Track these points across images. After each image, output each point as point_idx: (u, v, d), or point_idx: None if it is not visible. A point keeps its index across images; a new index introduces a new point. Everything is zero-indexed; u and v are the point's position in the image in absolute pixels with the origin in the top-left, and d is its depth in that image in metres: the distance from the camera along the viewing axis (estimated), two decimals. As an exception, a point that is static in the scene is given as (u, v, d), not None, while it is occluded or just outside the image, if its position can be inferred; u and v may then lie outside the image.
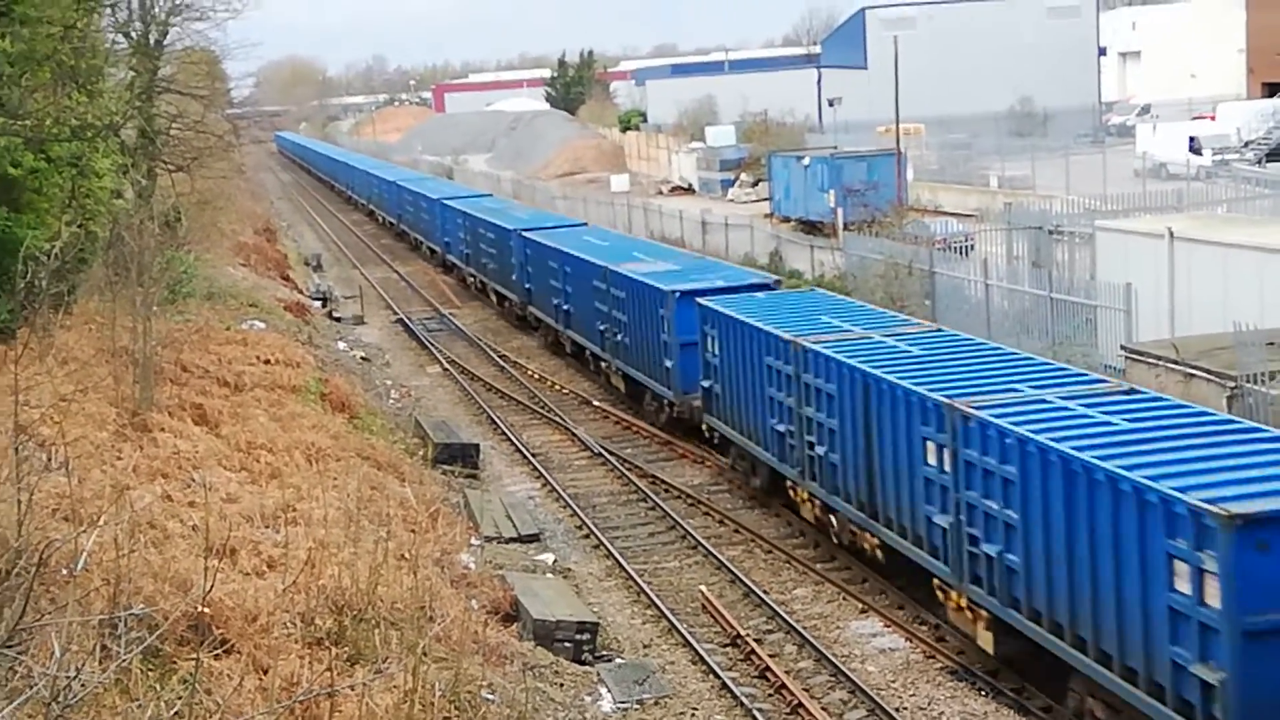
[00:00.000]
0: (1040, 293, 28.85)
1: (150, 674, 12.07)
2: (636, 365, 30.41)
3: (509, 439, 30.47)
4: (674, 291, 27.83)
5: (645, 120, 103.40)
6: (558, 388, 35.29)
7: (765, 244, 46.55)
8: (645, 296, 29.34)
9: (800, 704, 16.68)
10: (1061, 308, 28.10)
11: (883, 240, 37.27)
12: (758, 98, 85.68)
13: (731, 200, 71.18)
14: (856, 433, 19.66)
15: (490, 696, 14.61)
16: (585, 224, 46.99)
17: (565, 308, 36.23)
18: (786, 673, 17.65)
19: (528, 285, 40.78)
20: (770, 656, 18.14)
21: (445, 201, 56.82)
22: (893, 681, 17.44)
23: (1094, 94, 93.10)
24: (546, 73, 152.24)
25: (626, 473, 27.14)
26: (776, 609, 19.76)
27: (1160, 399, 17.01)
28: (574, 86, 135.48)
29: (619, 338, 31.39)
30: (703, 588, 20.81)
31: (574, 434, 30.42)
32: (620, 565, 22.12)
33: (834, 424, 20.34)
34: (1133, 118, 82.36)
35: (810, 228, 53.44)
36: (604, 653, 18.41)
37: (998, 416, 16.10)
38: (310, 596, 14.68)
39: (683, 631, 19.16)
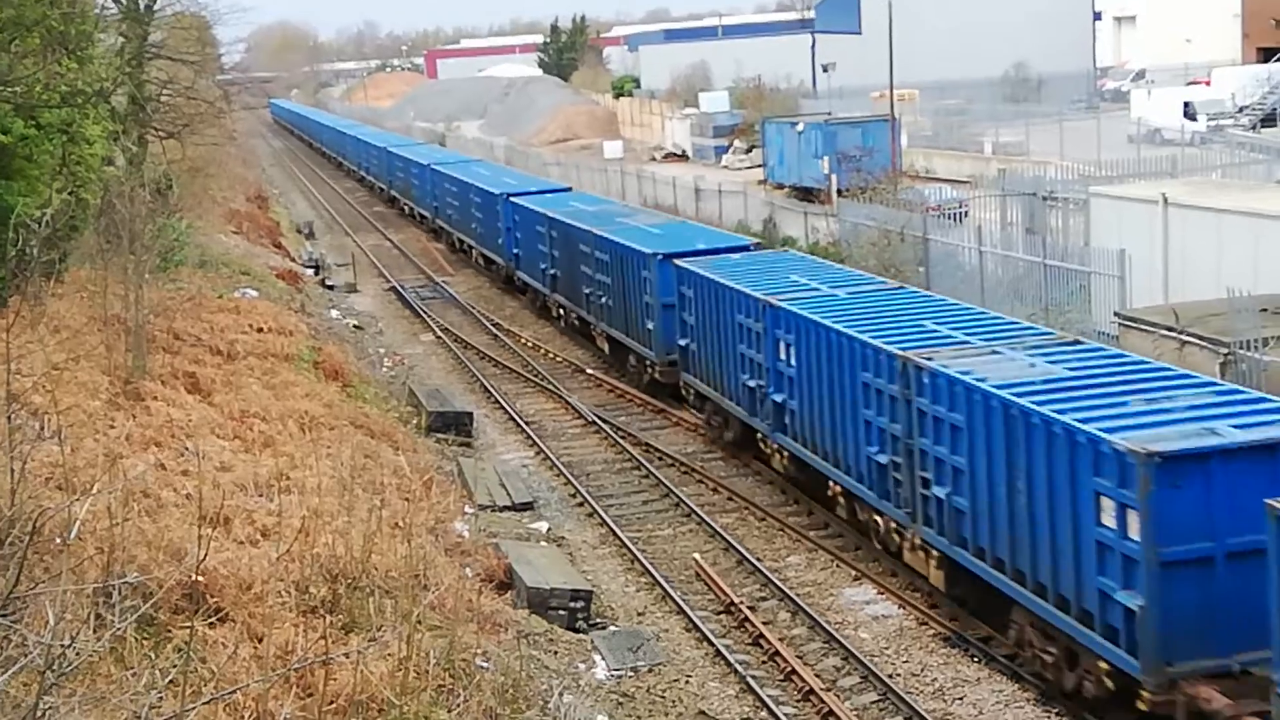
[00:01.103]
0: (1034, 259, 28.82)
1: (145, 642, 12.10)
2: (991, 552, 16.36)
3: (502, 407, 30.46)
4: (1120, 453, 13.66)
5: (638, 86, 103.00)
6: (551, 355, 35.25)
7: (759, 211, 46.49)
8: (1021, 434, 15.45)
9: (794, 671, 16.75)
10: (1055, 274, 28.07)
11: (877, 207, 37.18)
12: (751, 63, 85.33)
13: (725, 167, 71.02)
14: None
15: (484, 664, 14.66)
16: (752, 244, 30.39)
17: (779, 399, 22.37)
18: (780, 640, 17.71)
19: (683, 342, 26.89)
20: (764, 624, 18.20)
21: (515, 199, 42.04)
22: (886, 648, 17.51)
23: (1089, 59, 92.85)
24: (539, 38, 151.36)
25: (620, 440, 27.14)
26: (770, 576, 19.81)
27: None
28: (567, 52, 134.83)
29: (940, 495, 17.26)
30: (696, 555, 20.86)
31: (567, 402, 30.41)
32: (614, 533, 22.16)
33: None
34: (1127, 83, 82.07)
35: (804, 194, 53.32)
36: (598, 620, 18.46)
37: None
38: (304, 565, 14.70)
39: (676, 599, 19.21)
